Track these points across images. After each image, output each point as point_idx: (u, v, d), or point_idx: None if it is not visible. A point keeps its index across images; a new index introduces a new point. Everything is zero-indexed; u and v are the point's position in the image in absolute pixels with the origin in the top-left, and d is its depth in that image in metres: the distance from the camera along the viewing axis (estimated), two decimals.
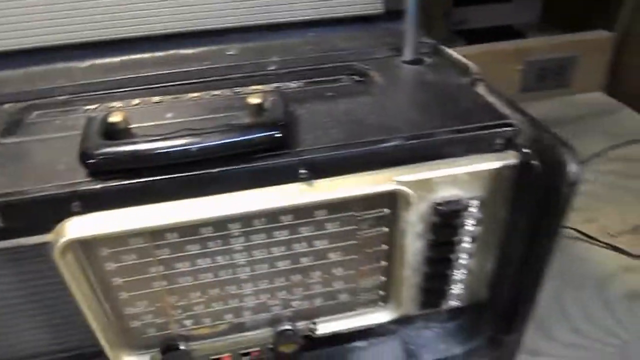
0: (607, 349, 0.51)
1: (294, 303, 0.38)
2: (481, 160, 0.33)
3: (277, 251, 0.35)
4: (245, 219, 0.33)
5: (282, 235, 0.34)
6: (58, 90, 0.41)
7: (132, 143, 0.30)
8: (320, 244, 0.35)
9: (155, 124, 0.36)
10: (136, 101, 0.40)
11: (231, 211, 0.31)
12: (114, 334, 0.36)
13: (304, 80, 0.41)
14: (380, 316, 0.39)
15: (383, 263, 0.37)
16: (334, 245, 0.36)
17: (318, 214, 0.34)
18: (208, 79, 0.42)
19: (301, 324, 0.39)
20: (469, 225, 0.35)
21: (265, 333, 0.38)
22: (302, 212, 0.34)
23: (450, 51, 0.42)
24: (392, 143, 0.32)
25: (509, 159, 0.33)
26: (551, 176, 0.31)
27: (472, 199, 0.34)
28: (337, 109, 0.36)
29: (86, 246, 0.32)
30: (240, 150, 0.30)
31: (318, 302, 0.38)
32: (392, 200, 0.34)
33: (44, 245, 0.30)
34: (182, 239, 0.33)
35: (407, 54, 0.43)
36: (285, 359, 0.39)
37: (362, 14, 0.46)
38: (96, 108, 0.39)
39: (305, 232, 0.34)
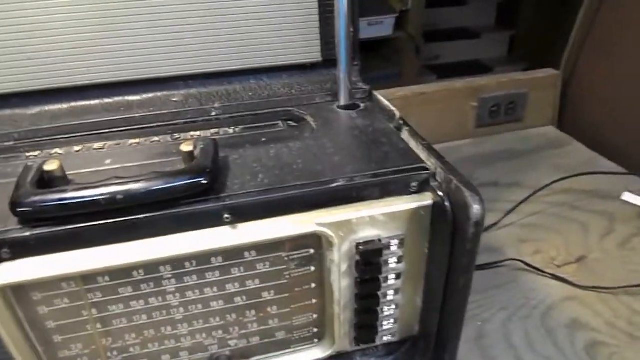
0: None
1: (230, 342, 0.39)
2: (398, 202, 0.35)
3: (210, 292, 0.36)
4: (176, 262, 0.34)
5: (214, 277, 0.36)
6: (3, 137, 0.42)
7: (60, 192, 0.31)
8: (252, 284, 0.37)
9: (93, 171, 0.37)
10: (78, 148, 0.41)
11: (159, 255, 0.33)
12: None
13: (242, 126, 0.44)
14: (315, 353, 0.40)
15: (314, 301, 0.39)
16: (265, 284, 0.37)
17: (248, 255, 0.35)
18: (151, 125, 0.44)
19: None
20: (392, 262, 0.37)
21: None
22: (232, 254, 0.35)
23: (380, 97, 0.45)
24: (314, 188, 0.34)
25: (425, 200, 0.35)
26: (459, 216, 0.33)
27: (392, 238, 0.36)
28: (268, 154, 0.38)
29: (18, 290, 0.33)
30: (166, 197, 0.32)
31: (255, 340, 0.39)
32: (316, 241, 0.36)
33: None
34: (114, 282, 0.34)
35: (342, 100, 0.46)
36: None
37: (302, 62, 0.48)
38: (38, 155, 0.41)
39: (236, 272, 0.36)
